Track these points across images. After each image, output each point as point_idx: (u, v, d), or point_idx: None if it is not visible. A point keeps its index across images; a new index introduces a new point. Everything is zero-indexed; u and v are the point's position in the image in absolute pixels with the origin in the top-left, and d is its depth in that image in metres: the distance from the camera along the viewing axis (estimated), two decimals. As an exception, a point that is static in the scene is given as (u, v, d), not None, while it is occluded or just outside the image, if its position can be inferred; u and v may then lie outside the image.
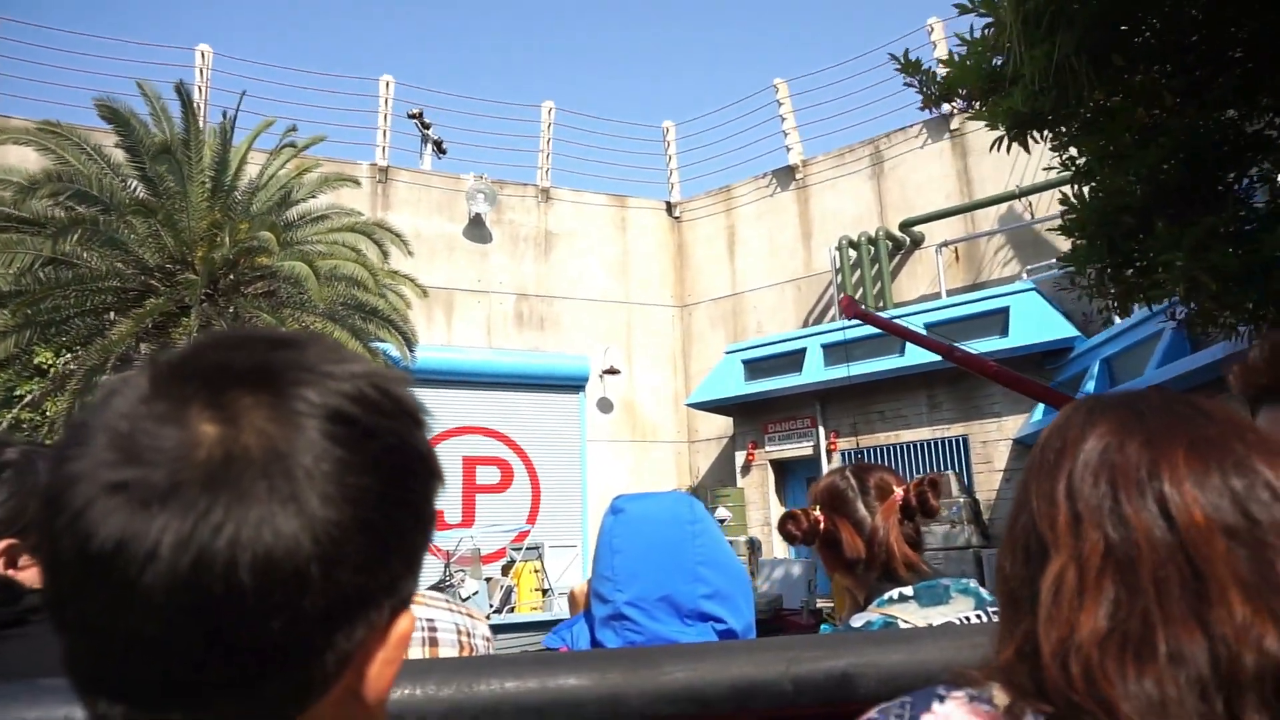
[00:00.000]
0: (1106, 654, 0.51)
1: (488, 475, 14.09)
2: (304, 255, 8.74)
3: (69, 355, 9.14)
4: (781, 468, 13.81)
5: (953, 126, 13.50)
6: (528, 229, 15.61)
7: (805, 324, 14.50)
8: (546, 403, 14.73)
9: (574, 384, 14.97)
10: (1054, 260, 10.21)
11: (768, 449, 13.71)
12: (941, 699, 0.58)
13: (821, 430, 13.09)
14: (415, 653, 1.33)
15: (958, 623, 1.28)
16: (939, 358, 9.34)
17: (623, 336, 15.67)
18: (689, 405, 14.60)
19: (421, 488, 0.46)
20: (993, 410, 11.54)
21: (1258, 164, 4.68)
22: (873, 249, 13.73)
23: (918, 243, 13.74)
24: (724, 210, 16.23)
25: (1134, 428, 0.59)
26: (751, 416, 13.84)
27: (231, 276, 9.15)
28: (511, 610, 10.34)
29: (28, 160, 9.38)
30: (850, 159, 14.79)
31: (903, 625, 1.31)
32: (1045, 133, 5.16)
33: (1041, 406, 10.18)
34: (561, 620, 1.58)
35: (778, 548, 12.57)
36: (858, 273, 13.78)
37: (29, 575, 1.17)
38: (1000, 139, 5.14)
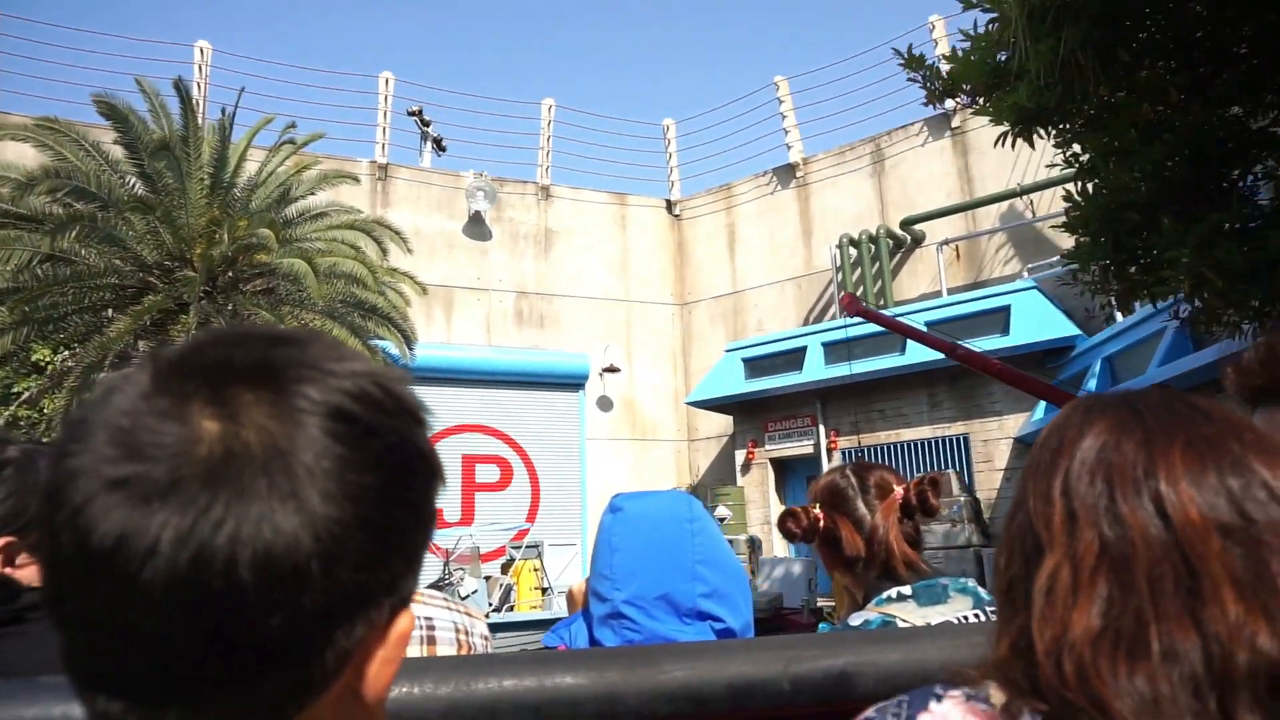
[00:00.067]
0: (1099, 652, 0.51)
1: (487, 473, 14.08)
2: (303, 252, 8.73)
3: (67, 352, 9.14)
4: (781, 466, 13.80)
5: (954, 124, 13.48)
6: (527, 226, 15.59)
7: (805, 322, 14.49)
8: (546, 401, 14.71)
9: (574, 382, 14.95)
10: (1055, 258, 10.21)
11: (768, 448, 13.71)
12: (939, 698, 0.58)
13: (822, 429, 13.09)
14: (413, 651, 1.32)
15: (956, 622, 1.29)
16: (940, 356, 9.34)
17: (622, 334, 15.65)
18: (689, 403, 14.59)
19: (422, 486, 0.46)
20: (993, 409, 11.53)
21: (1262, 161, 4.67)
22: (873, 247, 13.71)
23: (918, 241, 13.72)
24: (724, 208, 16.21)
25: (1131, 426, 0.59)
26: (751, 415, 13.83)
27: (230, 274, 9.14)
28: (510, 609, 10.35)
29: (26, 157, 9.38)
30: (851, 157, 14.77)
31: (901, 624, 1.31)
32: (1049, 129, 5.15)
33: (1043, 405, 10.18)
34: (560, 619, 1.58)
35: (778, 546, 12.57)
36: (858, 271, 13.76)
37: (27, 573, 1.17)
38: (1004, 135, 5.13)
